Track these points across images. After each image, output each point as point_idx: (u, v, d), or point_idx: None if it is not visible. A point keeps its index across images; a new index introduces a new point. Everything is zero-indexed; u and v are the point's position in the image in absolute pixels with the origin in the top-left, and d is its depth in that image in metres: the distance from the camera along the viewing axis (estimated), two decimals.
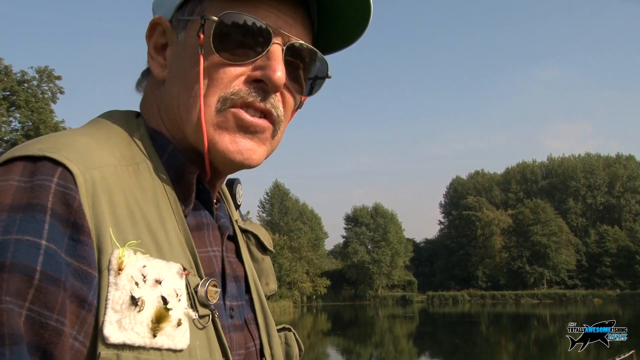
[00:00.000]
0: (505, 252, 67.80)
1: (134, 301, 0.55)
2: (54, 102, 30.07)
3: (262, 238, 0.87)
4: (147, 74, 0.79)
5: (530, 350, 22.83)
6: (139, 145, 0.69)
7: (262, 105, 0.71)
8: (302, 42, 0.73)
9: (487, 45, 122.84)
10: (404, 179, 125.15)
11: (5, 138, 29.30)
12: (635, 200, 71.93)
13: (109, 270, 0.55)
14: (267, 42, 0.70)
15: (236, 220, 0.85)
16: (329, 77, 0.78)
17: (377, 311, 55.47)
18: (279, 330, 0.86)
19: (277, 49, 0.70)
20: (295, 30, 0.72)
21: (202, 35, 0.69)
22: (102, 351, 0.53)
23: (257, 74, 0.70)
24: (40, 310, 0.48)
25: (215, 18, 0.69)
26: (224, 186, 0.89)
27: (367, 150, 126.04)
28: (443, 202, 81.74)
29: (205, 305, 0.64)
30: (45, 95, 29.85)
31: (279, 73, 0.70)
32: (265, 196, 68.53)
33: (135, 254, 0.58)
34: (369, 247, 66.65)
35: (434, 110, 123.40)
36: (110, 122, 0.70)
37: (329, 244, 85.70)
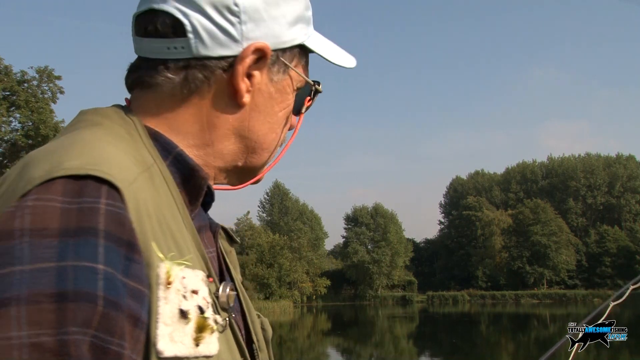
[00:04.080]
0: (505, 252, 67.78)
1: (183, 314, 0.56)
2: (54, 102, 30.10)
3: (228, 230, 0.88)
4: (191, 74, 0.68)
5: (530, 350, 22.82)
6: (144, 146, 0.66)
7: None
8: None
9: (485, 45, 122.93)
10: (404, 179, 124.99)
11: (5, 138, 29.32)
12: (635, 200, 71.88)
13: (157, 284, 0.55)
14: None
15: None
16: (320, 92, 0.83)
17: (377, 311, 55.49)
18: None
19: None
20: None
21: (309, 100, 0.79)
22: None
23: (293, 123, 0.81)
24: (104, 336, 0.47)
25: (320, 89, 0.78)
26: None
27: (367, 150, 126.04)
28: (443, 202, 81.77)
29: (224, 309, 0.66)
30: (45, 95, 29.87)
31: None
32: (265, 196, 68.60)
33: (175, 266, 0.58)
34: (369, 247, 66.67)
35: (433, 110, 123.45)
36: (109, 122, 0.66)
37: (329, 244, 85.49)
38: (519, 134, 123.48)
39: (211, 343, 0.59)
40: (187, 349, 0.56)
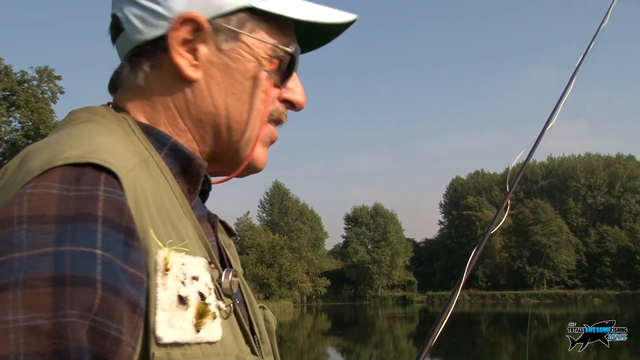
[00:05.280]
0: (505, 252, 67.80)
1: (181, 300, 0.57)
2: (54, 102, 30.13)
3: (226, 223, 0.87)
4: (139, 63, 0.70)
5: (530, 350, 22.80)
6: (139, 140, 0.66)
7: (284, 121, 0.78)
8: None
9: (485, 45, 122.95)
10: (404, 179, 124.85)
11: (5, 138, 29.33)
12: (635, 200, 71.82)
13: (156, 271, 0.55)
14: (295, 66, 0.75)
15: None
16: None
17: (377, 311, 55.51)
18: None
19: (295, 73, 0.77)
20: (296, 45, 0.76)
21: (276, 62, 0.72)
22: (156, 351, 0.53)
23: (288, 96, 0.76)
24: (103, 320, 0.47)
25: (290, 50, 0.72)
26: None
27: (366, 150, 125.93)
28: (443, 202, 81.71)
29: (228, 295, 0.66)
30: (45, 95, 29.90)
31: (304, 98, 0.78)
32: (265, 196, 68.53)
33: (174, 252, 0.58)
34: (369, 247, 66.68)
35: (433, 110, 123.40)
36: (102, 119, 0.66)
37: (329, 244, 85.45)
38: (519, 134, 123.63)
39: (213, 329, 0.59)
40: (188, 335, 0.56)
